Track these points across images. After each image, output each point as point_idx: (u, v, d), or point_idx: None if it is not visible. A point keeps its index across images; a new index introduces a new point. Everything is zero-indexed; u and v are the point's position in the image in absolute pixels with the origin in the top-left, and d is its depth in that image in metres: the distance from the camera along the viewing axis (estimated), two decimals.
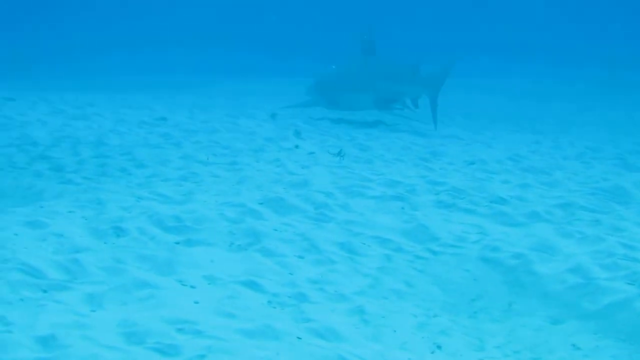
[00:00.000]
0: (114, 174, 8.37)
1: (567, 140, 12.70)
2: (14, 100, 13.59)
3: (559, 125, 15.14)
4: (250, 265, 5.28)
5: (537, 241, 6.06)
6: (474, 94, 20.74)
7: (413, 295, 5.08)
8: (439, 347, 4.30)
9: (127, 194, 7.11)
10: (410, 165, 9.13)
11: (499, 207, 7.11)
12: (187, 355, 3.73)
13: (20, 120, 11.50)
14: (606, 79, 24.69)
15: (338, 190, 7.39)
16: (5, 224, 5.93)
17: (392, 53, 14.65)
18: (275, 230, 6.05)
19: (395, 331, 4.42)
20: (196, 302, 4.51)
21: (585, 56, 29.60)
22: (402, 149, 10.42)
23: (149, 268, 5.07)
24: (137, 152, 9.31)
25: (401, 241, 6.12)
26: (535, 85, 23.50)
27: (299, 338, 4.09)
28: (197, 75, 23.54)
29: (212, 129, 11.05)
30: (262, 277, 5.04)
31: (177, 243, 5.68)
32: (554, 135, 13.50)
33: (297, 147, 9.99)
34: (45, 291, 4.51)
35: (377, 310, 4.68)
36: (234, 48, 31.01)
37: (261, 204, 6.72)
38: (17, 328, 3.92)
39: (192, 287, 4.80)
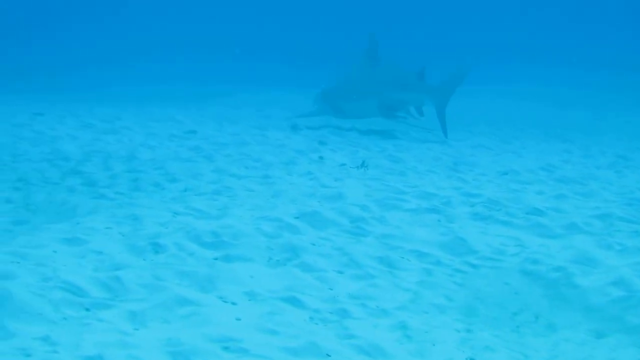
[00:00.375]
0: (148, 188, 8.39)
1: (598, 149, 12.63)
2: (43, 115, 13.67)
3: (584, 133, 15.03)
4: (290, 281, 5.26)
5: (577, 253, 6.00)
6: (489, 99, 20.57)
7: (454, 309, 5.05)
8: None
9: (162, 209, 7.11)
10: (443, 177, 9.09)
11: (536, 218, 7.06)
12: None
13: (50, 135, 11.56)
14: (616, 82, 24.45)
15: (373, 203, 7.36)
16: (44, 241, 5.95)
17: (398, 59, 14.26)
18: (313, 244, 6.03)
19: (439, 347, 4.39)
20: (238, 319, 4.50)
21: (593, 59, 29.37)
22: (433, 159, 10.38)
23: (189, 285, 5.07)
24: (169, 166, 9.32)
25: (439, 254, 6.08)
26: (546, 90, 23.19)
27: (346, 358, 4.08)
28: (219, 85, 23.55)
29: (242, 142, 11.06)
30: (302, 293, 5.03)
31: (216, 259, 5.67)
32: (583, 143, 13.43)
33: (326, 159, 9.96)
34: (88, 309, 4.52)
35: (420, 325, 4.66)
36: (253, 57, 30.98)
37: (297, 218, 6.70)
38: (63, 348, 3.93)
39: (233, 303, 4.78)
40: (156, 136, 11.52)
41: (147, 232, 6.17)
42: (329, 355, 4.08)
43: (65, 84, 23.37)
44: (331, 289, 5.18)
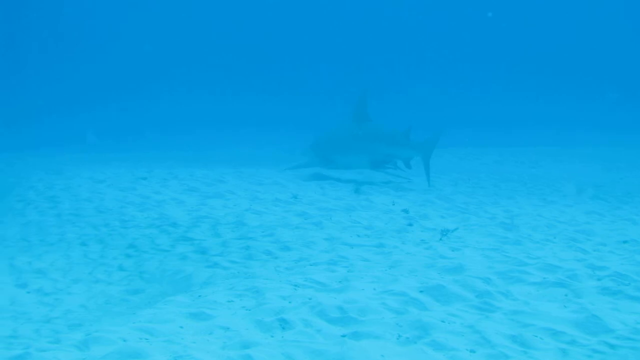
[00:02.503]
0: (260, 257, 8.31)
1: None
2: (146, 178, 13.80)
3: None
4: None
5: None
6: (582, 164, 20.07)
7: None
8: None
9: (281, 280, 6.98)
10: (563, 247, 8.77)
11: None
12: None
13: (156, 199, 11.64)
14: None
15: (496, 275, 7.10)
16: (169, 315, 5.88)
17: (385, 119, 15.92)
18: (443, 321, 5.81)
19: None
20: None
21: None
22: (547, 227, 10.06)
23: None
24: (279, 233, 9.24)
25: (574, 333, 5.78)
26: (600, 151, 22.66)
27: None
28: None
29: (348, 207, 10.92)
30: None
31: (344, 336, 5.50)
32: None
33: (427, 226, 9.78)
34: None
35: None
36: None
37: (421, 292, 6.49)
38: None
39: None
40: (261, 201, 11.47)
41: (272, 307, 6.03)
42: None
43: (159, 145, 23.77)
44: None
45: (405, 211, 10.59)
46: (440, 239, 8.94)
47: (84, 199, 11.82)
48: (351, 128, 15.21)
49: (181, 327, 5.59)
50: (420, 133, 14.48)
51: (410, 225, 9.79)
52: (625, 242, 9.24)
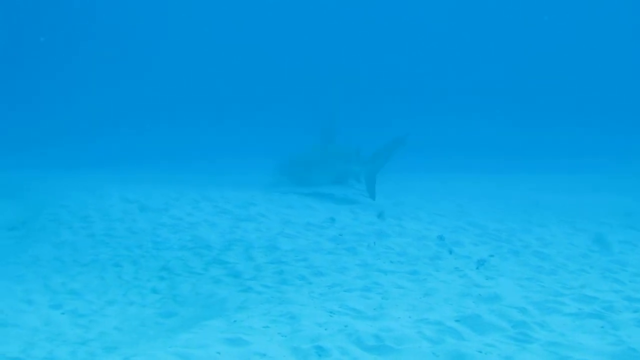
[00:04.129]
0: (294, 282, 8.30)
1: None
2: (178, 200, 13.82)
3: None
4: None
5: None
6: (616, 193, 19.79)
7: None
8: None
9: (315, 306, 6.97)
10: (598, 277, 8.67)
11: None
12: None
13: (188, 221, 11.66)
14: None
15: (531, 305, 7.05)
16: (205, 340, 5.89)
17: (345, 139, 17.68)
18: (480, 352, 5.77)
19: None
20: None
21: None
22: (581, 257, 9.96)
23: None
24: (312, 258, 9.24)
25: None
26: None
27: None
28: None
29: (381, 232, 10.88)
30: None
31: None
32: None
33: (461, 253, 9.73)
34: None
35: None
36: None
37: (457, 321, 6.45)
38: None
39: None
40: (293, 224, 11.47)
41: (308, 334, 6.03)
42: None
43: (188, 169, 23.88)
44: None
45: (439, 238, 10.53)
46: (477, 268, 8.89)
47: (116, 219, 11.85)
48: (313, 149, 17.76)
49: (218, 352, 5.59)
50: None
51: (445, 252, 9.74)
52: None
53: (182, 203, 13.47)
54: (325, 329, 6.16)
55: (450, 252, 9.67)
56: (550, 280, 8.32)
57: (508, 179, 21.89)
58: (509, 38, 47.34)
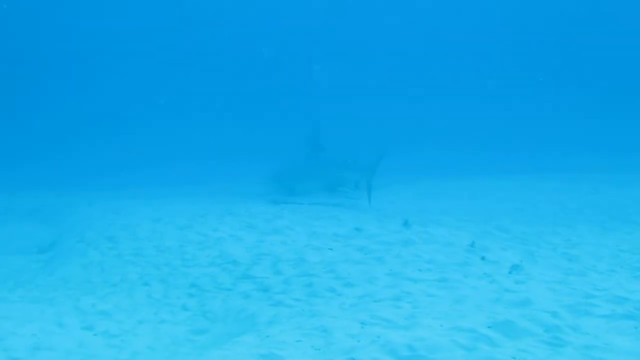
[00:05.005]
0: (324, 294, 8.29)
1: None
2: (204, 216, 13.86)
3: None
4: None
5: None
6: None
7: None
8: None
9: (347, 318, 6.95)
10: (629, 277, 8.62)
11: None
12: None
13: (214, 237, 11.67)
14: None
15: (563, 309, 6.99)
16: (239, 357, 5.89)
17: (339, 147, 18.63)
18: (514, 358, 5.73)
19: None
20: None
21: None
22: (611, 257, 9.89)
23: None
24: (341, 269, 9.21)
25: None
26: None
27: None
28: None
29: (408, 241, 10.82)
30: None
31: None
32: None
33: (490, 258, 9.67)
34: None
35: None
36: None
37: (490, 327, 6.41)
38: None
39: None
40: (320, 236, 11.43)
41: (341, 346, 6.02)
42: None
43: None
44: None
45: (471, 245, 10.47)
46: (509, 272, 8.84)
47: (143, 237, 11.90)
48: (305, 159, 18.62)
49: None
50: None
51: (474, 258, 9.68)
52: None
53: (209, 219, 13.48)
54: (358, 341, 6.15)
55: (483, 258, 9.60)
56: (580, 282, 8.26)
57: (531, 180, 21.75)
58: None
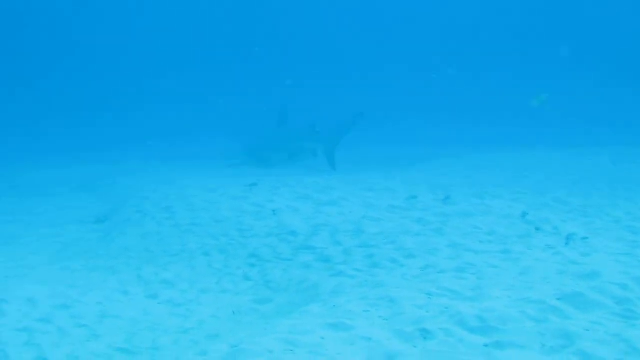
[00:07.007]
0: (386, 265, 8.28)
1: None
2: (256, 185, 13.85)
3: None
4: None
5: None
6: None
7: None
8: None
9: (412, 289, 6.93)
10: None
11: None
12: None
13: (270, 208, 11.66)
14: None
15: (633, 281, 6.87)
16: (309, 326, 5.90)
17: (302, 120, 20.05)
18: (586, 330, 5.66)
19: None
20: None
21: None
22: None
23: None
24: (401, 240, 9.18)
25: None
26: None
27: None
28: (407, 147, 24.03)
29: (465, 212, 10.74)
30: None
31: (487, 345, 5.43)
32: None
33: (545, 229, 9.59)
34: None
35: None
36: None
37: (559, 299, 6.33)
38: None
39: None
40: (376, 207, 11.38)
41: (410, 317, 6.00)
42: None
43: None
44: None
45: (525, 214, 10.37)
46: (567, 244, 8.76)
47: (199, 208, 11.94)
48: (271, 133, 20.42)
49: (322, 338, 5.60)
50: None
51: (538, 229, 9.58)
52: None
53: (262, 189, 13.47)
54: (427, 311, 6.12)
55: (537, 229, 9.52)
56: None
57: (581, 153, 21.41)
58: None
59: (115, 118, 35.04)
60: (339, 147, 19.34)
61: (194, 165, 20.69)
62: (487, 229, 9.67)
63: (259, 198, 12.61)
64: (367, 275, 7.94)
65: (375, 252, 8.77)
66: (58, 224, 12.67)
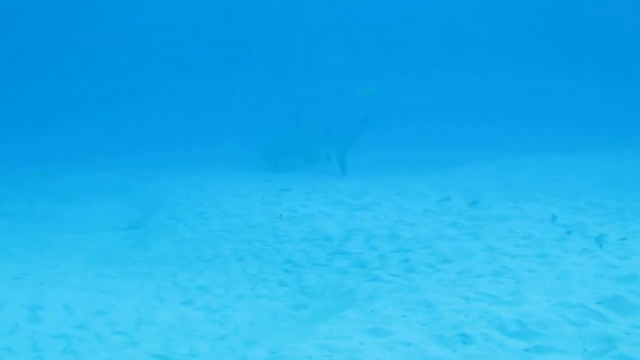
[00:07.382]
0: (422, 270, 8.26)
1: None
2: (289, 190, 13.87)
3: None
4: None
5: None
6: None
7: None
8: None
9: (449, 293, 6.90)
10: None
11: None
12: None
13: (303, 213, 11.68)
14: None
15: None
16: (346, 332, 5.89)
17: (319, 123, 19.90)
18: (627, 334, 5.60)
19: None
20: None
21: None
22: None
23: None
24: (435, 244, 9.14)
25: None
26: None
27: None
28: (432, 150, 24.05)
29: (500, 216, 10.69)
30: None
31: (527, 350, 5.39)
32: None
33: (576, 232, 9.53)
34: None
35: None
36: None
37: (599, 303, 6.27)
38: None
39: None
40: (409, 212, 11.36)
41: (449, 322, 5.97)
42: None
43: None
44: None
45: (558, 218, 10.31)
46: (602, 247, 8.69)
47: (232, 214, 11.96)
48: (287, 136, 20.13)
49: (361, 343, 5.59)
50: None
51: (569, 233, 9.52)
52: None
53: (294, 194, 13.48)
54: (466, 316, 6.09)
55: (569, 232, 9.47)
56: None
57: (611, 156, 21.20)
58: None
59: (124, 123, 34.99)
60: (351, 151, 18.88)
61: (216, 170, 20.42)
62: (523, 232, 9.62)
63: (292, 203, 12.62)
64: (403, 280, 7.92)
65: (410, 257, 8.75)
66: (91, 230, 12.74)
